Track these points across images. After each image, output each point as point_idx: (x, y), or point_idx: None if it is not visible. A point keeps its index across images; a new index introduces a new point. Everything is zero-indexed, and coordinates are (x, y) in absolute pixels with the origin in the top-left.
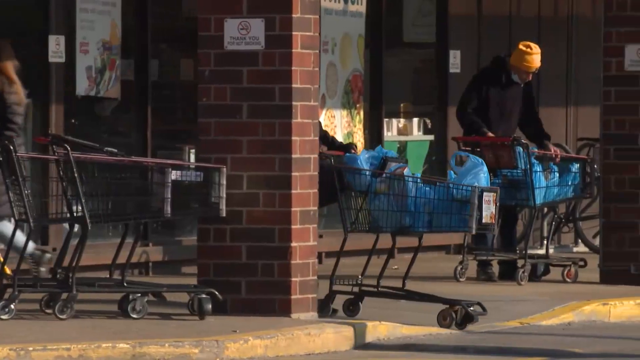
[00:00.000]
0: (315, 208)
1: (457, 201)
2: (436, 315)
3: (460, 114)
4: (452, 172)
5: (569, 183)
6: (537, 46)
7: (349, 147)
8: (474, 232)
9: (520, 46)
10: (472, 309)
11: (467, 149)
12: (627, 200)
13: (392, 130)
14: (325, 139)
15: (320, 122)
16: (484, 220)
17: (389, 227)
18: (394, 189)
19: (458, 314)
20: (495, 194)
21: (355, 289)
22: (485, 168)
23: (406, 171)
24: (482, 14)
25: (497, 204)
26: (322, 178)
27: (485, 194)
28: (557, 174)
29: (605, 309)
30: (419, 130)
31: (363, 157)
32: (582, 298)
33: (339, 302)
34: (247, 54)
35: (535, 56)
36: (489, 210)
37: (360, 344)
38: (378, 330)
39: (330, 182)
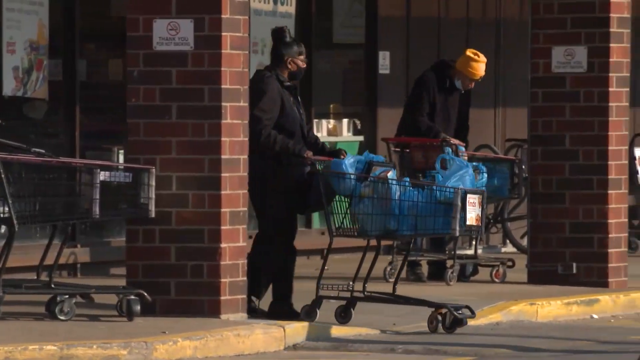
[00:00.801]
0: (245, 209)
1: (442, 203)
2: (383, 316)
3: (417, 119)
4: (439, 175)
5: (497, 184)
6: (483, 55)
7: (339, 152)
8: (457, 234)
9: (468, 52)
10: (460, 312)
11: (397, 149)
12: (555, 201)
13: (322, 130)
14: (316, 144)
15: (311, 128)
16: (468, 222)
17: (375, 231)
18: (378, 193)
19: (447, 318)
20: (480, 196)
21: (342, 294)
22: (470, 170)
23: (390, 174)
24: (411, 16)
25: (484, 206)
26: (310, 183)
27: (469, 196)
28: (485, 175)
29: (532, 308)
30: (348, 131)
31: (348, 162)
32: (510, 298)
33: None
34: (176, 55)
35: (481, 64)
36: (474, 213)
37: (290, 345)
38: (309, 330)
39: (317, 187)
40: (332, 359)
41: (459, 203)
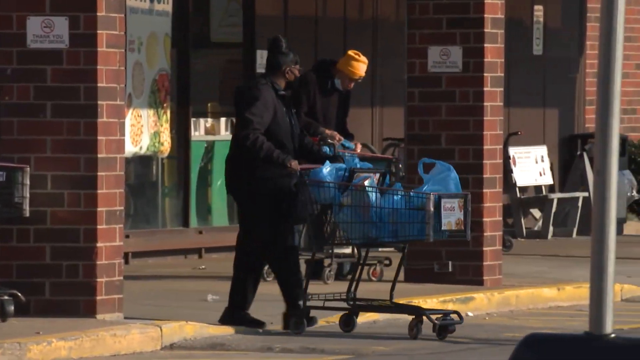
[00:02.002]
0: (122, 208)
1: (416, 209)
2: (261, 315)
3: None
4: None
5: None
6: (364, 56)
7: (336, 158)
8: (431, 239)
9: (350, 52)
10: (436, 317)
11: None
12: None
13: (199, 130)
14: (311, 151)
15: (306, 134)
16: (444, 227)
17: (356, 239)
18: (356, 201)
19: (436, 327)
20: (461, 200)
21: (323, 304)
22: (453, 173)
23: (368, 182)
24: (289, 15)
25: (468, 209)
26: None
27: (445, 200)
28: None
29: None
30: (226, 130)
31: (325, 170)
32: (387, 296)
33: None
34: (51, 53)
35: (362, 64)
36: (452, 217)
37: (167, 345)
38: (185, 330)
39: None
40: (209, 358)
41: (432, 208)
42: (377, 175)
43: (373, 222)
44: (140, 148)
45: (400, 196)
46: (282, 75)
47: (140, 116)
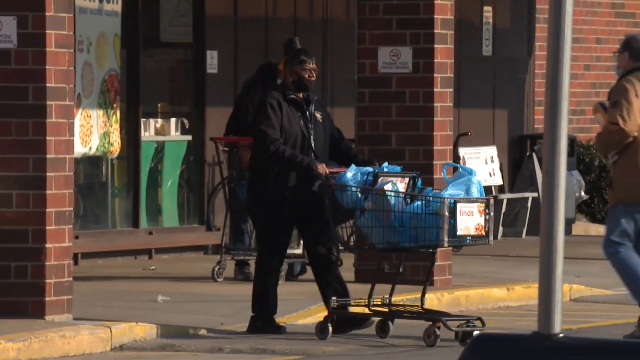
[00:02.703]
0: (71, 209)
1: (433, 214)
2: (210, 316)
3: (230, 122)
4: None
5: None
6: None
7: (370, 162)
8: (445, 245)
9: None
10: (458, 324)
11: (226, 149)
12: None
13: (149, 130)
14: (347, 154)
15: (344, 137)
16: (459, 232)
17: (379, 243)
18: (378, 205)
19: (459, 334)
20: (481, 204)
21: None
22: (473, 178)
23: (389, 187)
24: (239, 15)
25: (490, 214)
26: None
27: (461, 205)
28: None
29: (359, 307)
30: (176, 130)
31: (349, 174)
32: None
33: None
34: None
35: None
36: (470, 222)
37: (116, 346)
38: (135, 331)
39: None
40: (159, 358)
41: (446, 213)
42: (407, 179)
43: (394, 226)
44: (90, 148)
45: (422, 201)
46: (290, 76)
47: (90, 116)
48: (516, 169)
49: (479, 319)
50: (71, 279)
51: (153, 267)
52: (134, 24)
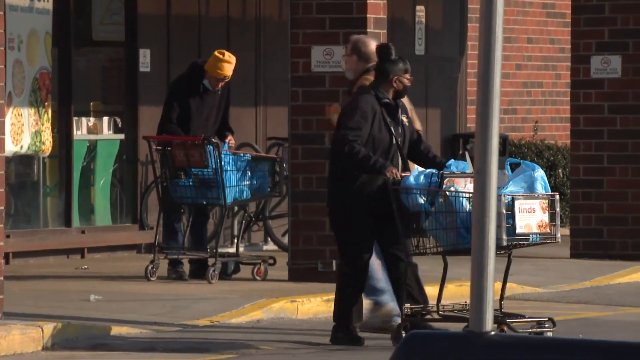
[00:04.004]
0: (2, 208)
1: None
2: (144, 315)
3: (163, 124)
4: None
5: (257, 182)
6: (232, 55)
7: (442, 165)
8: (504, 243)
9: (215, 52)
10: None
11: (159, 148)
12: (315, 199)
13: (81, 129)
14: (427, 157)
15: (423, 140)
16: (519, 230)
17: (445, 246)
18: (442, 207)
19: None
20: (544, 201)
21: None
22: (535, 173)
23: (455, 187)
24: (172, 14)
25: (555, 210)
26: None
27: (520, 202)
28: (249, 173)
29: (293, 306)
30: (109, 129)
31: (412, 177)
32: (271, 295)
33: None
34: None
35: (227, 64)
36: (532, 219)
37: (48, 345)
38: (68, 330)
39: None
40: (92, 358)
41: (504, 211)
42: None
43: (458, 227)
44: (21, 147)
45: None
46: (390, 84)
47: (21, 115)
48: None
49: (551, 319)
50: (2, 278)
51: (85, 267)
52: (66, 22)
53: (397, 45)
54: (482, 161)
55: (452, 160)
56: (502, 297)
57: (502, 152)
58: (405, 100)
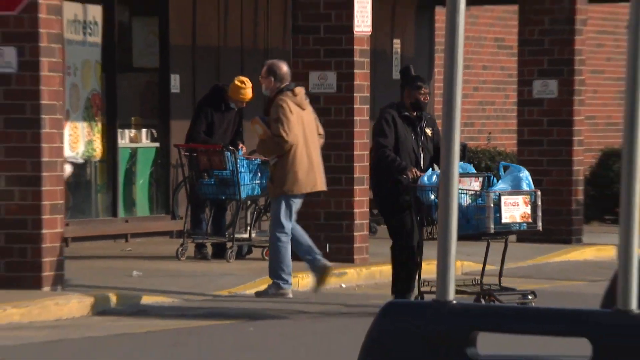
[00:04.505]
0: (62, 202)
1: (482, 207)
2: (177, 288)
3: (192, 134)
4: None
5: (264, 181)
6: (249, 81)
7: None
8: (491, 231)
9: (236, 82)
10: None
11: (187, 154)
12: (311, 195)
13: (125, 138)
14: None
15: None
16: (504, 220)
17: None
18: None
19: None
20: (526, 196)
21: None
22: (524, 173)
23: (462, 185)
24: (196, 45)
25: (537, 204)
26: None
27: (505, 197)
28: (259, 174)
29: (294, 280)
30: (147, 138)
31: (426, 176)
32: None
33: None
34: (2, 76)
35: (247, 90)
36: (516, 211)
37: (100, 311)
38: (115, 299)
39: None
40: (134, 321)
41: (491, 204)
42: (480, 178)
43: (459, 218)
44: (77, 153)
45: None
46: (407, 99)
47: (77, 128)
48: None
49: (533, 292)
50: (63, 258)
51: (129, 249)
52: (112, 52)
53: (377, 71)
54: (447, 164)
55: (461, 162)
56: (500, 274)
57: (462, 158)
58: (307, 110)
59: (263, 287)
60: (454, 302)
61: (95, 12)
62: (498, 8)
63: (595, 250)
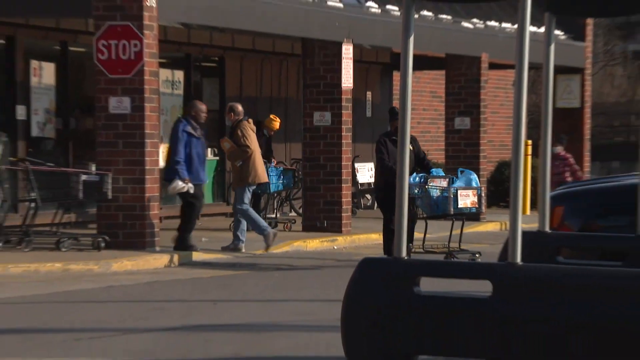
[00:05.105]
0: (158, 194)
1: (447, 197)
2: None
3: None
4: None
5: (287, 181)
6: (278, 118)
7: (430, 170)
8: (451, 212)
9: (270, 117)
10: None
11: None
12: (315, 189)
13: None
14: (427, 167)
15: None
16: (459, 206)
17: (426, 214)
18: (423, 194)
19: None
20: (474, 191)
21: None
22: (473, 176)
23: (432, 183)
24: (242, 95)
25: (480, 195)
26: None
27: (460, 191)
28: (282, 176)
29: (305, 243)
30: (211, 155)
31: (411, 177)
32: (293, 239)
33: None
34: (121, 115)
35: (276, 122)
36: (467, 200)
37: (175, 264)
38: (187, 256)
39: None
40: (201, 270)
41: (451, 195)
42: (447, 179)
43: (432, 205)
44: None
45: (444, 191)
46: (393, 127)
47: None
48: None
49: (479, 252)
50: (159, 229)
51: (200, 223)
52: (189, 100)
53: (356, 112)
54: (401, 165)
55: (433, 169)
56: (460, 241)
57: (428, 166)
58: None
59: (284, 249)
60: (405, 257)
61: (179, 75)
62: (432, 72)
63: (494, 225)
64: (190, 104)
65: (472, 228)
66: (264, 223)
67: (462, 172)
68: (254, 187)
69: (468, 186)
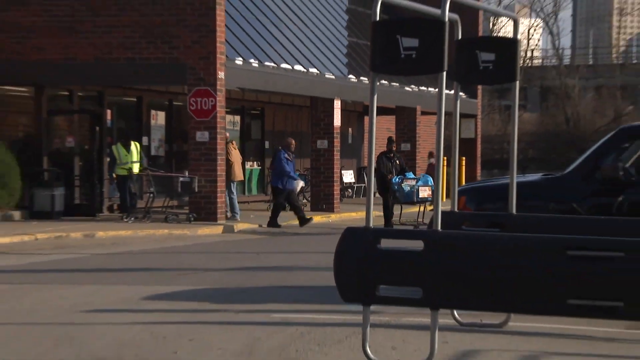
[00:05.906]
0: (224, 188)
1: (413, 191)
2: (261, 219)
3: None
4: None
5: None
6: (295, 140)
7: (406, 172)
8: (415, 200)
9: (289, 138)
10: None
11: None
12: (319, 186)
13: (247, 165)
14: (404, 170)
15: (404, 166)
16: (420, 196)
17: (402, 202)
18: (399, 188)
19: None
20: (429, 187)
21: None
22: (427, 178)
23: (406, 183)
24: (274, 129)
25: (432, 189)
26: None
27: (421, 187)
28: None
29: (296, 221)
30: (254, 165)
31: (394, 179)
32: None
33: None
34: (202, 143)
35: (294, 144)
36: (425, 192)
37: (238, 231)
38: (238, 226)
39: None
40: (247, 235)
41: (415, 190)
42: (416, 179)
43: (405, 195)
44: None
45: (412, 187)
46: (388, 149)
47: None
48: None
49: (423, 222)
50: (223, 210)
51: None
52: (243, 133)
53: (342, 141)
54: (370, 171)
55: (409, 172)
56: (423, 217)
57: (404, 170)
58: (237, 150)
59: (294, 222)
60: (372, 227)
61: (237, 118)
62: (388, 117)
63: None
64: (286, 140)
65: (429, 209)
66: (237, 210)
67: (422, 176)
68: (235, 181)
69: (425, 184)
